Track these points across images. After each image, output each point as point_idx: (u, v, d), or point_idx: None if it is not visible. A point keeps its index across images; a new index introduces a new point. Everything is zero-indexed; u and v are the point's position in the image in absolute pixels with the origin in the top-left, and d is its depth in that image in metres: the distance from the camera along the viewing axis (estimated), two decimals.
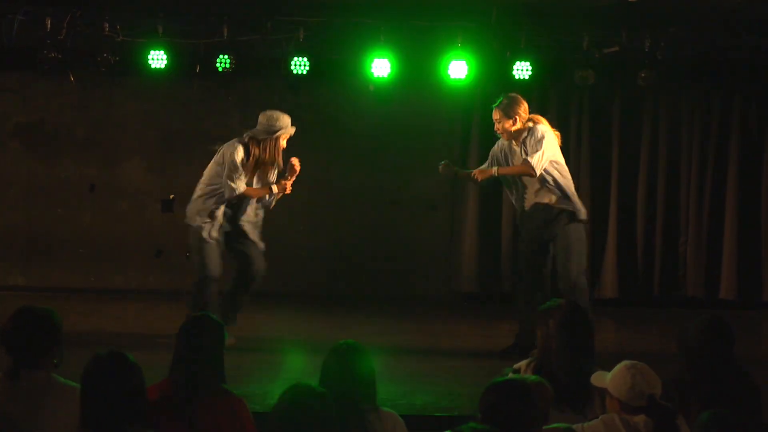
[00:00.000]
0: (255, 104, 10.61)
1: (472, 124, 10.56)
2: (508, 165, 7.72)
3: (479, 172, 7.67)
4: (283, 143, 7.73)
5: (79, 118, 10.65)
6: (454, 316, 9.97)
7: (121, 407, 3.59)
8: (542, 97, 10.35)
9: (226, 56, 9.58)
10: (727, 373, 4.75)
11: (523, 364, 4.93)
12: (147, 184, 10.67)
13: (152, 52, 9.56)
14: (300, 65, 9.64)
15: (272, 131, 7.65)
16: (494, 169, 7.68)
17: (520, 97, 7.70)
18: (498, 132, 7.71)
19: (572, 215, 7.63)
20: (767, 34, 9.57)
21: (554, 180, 7.57)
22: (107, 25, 9.49)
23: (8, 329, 4.20)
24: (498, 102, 7.68)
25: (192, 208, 7.77)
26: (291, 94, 10.34)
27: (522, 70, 9.57)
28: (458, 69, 9.51)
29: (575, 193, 7.70)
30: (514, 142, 7.67)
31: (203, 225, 7.69)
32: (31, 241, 10.60)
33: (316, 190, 10.46)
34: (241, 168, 7.61)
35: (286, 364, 7.41)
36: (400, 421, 4.30)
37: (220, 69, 9.64)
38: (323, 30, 9.68)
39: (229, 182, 7.59)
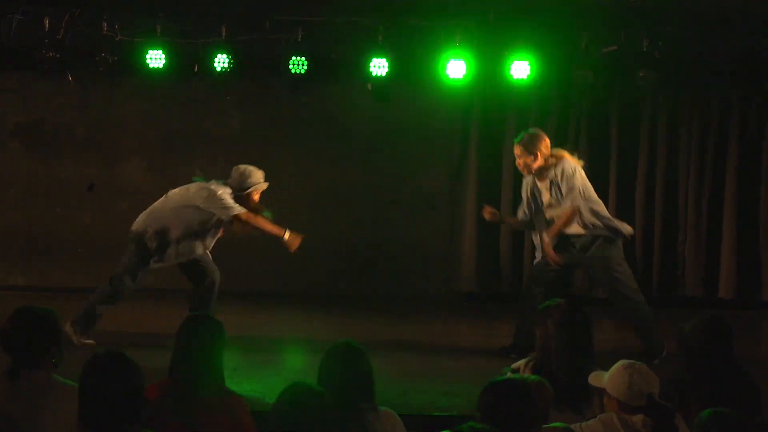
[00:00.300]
0: (254, 104, 10.64)
1: (470, 123, 10.56)
2: (537, 203, 7.77)
3: (554, 256, 7.64)
4: (256, 197, 7.68)
5: (79, 118, 10.64)
6: (453, 316, 9.97)
7: (120, 407, 3.58)
8: (540, 96, 10.35)
9: (224, 56, 9.59)
10: (726, 372, 4.75)
11: (521, 363, 4.94)
12: (147, 183, 10.66)
13: (151, 51, 9.56)
14: (298, 64, 9.64)
15: (244, 188, 7.62)
16: (547, 234, 7.68)
17: (542, 132, 7.76)
18: (518, 167, 7.74)
19: (609, 239, 7.69)
20: (766, 34, 9.56)
21: (585, 212, 7.61)
22: (106, 25, 9.50)
23: (8, 329, 4.21)
24: (519, 138, 7.71)
25: (150, 220, 7.72)
26: (289, 94, 10.35)
27: (520, 69, 9.57)
28: (456, 68, 9.51)
29: (609, 215, 7.77)
30: (538, 180, 7.71)
31: (155, 249, 7.67)
32: (30, 241, 10.60)
33: (315, 190, 10.47)
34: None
35: (286, 364, 7.41)
36: (399, 420, 4.30)
37: (218, 69, 9.64)
38: (322, 29, 9.69)
39: (230, 208, 7.57)
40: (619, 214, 10.39)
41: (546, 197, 7.72)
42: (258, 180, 7.66)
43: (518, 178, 10.42)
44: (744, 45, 9.78)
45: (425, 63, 9.72)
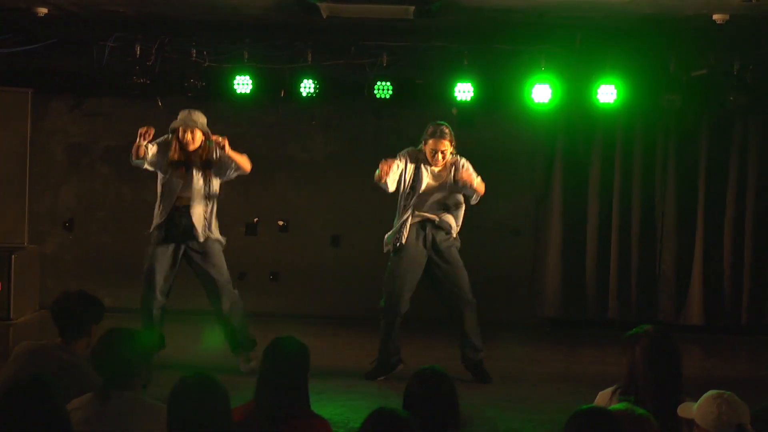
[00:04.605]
0: (338, 128, 10.70)
1: (555, 147, 10.47)
2: None
3: None
4: (188, 137, 7.99)
5: None
6: (536, 342, 9.88)
7: (206, 429, 3.61)
8: (627, 121, 10.24)
9: (310, 81, 9.69)
10: None
11: (608, 391, 4.87)
12: (232, 206, 10.78)
13: (238, 77, 9.72)
14: (383, 89, 9.70)
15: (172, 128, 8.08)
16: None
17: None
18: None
19: None
20: None
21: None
22: (195, 51, 9.67)
23: (99, 350, 4.27)
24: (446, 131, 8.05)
25: None
26: (374, 118, 10.39)
27: (607, 93, 9.50)
28: (542, 93, 9.48)
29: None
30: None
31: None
32: (119, 263, 10.76)
33: None
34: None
35: (371, 388, 7.42)
36: None
37: (304, 94, 9.75)
38: (406, 54, 9.73)
39: None
40: (707, 239, 10.23)
41: None
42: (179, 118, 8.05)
43: (604, 200, 10.36)
44: None
45: (510, 87, 9.71)
